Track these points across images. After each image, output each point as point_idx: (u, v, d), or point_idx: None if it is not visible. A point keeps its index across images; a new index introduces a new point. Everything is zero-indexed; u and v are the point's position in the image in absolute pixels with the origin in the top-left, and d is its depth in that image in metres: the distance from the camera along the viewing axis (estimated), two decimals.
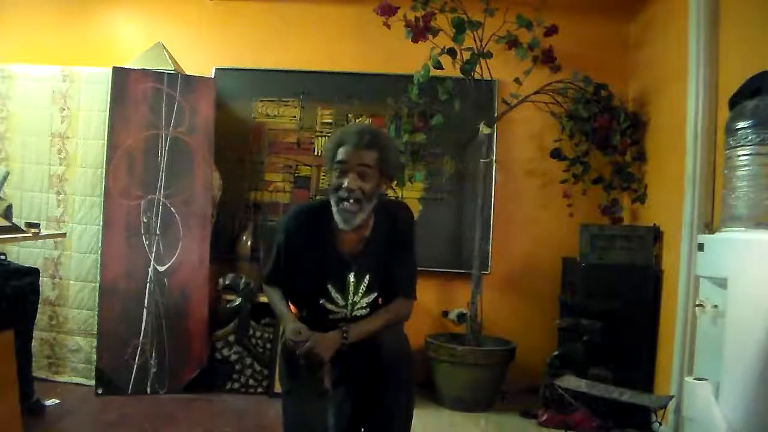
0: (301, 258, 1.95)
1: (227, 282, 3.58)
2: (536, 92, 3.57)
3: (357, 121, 3.89)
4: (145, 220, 3.40)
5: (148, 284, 3.38)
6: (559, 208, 3.71)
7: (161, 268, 3.41)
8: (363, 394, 1.88)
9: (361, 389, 1.88)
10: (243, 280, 3.53)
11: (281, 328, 2.05)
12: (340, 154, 1.87)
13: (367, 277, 1.96)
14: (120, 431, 2.85)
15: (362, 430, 1.92)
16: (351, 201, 1.84)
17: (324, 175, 3.92)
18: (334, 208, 1.88)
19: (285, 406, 2.02)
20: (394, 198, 2.19)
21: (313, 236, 1.94)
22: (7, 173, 3.12)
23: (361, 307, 1.99)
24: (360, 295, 1.97)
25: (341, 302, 1.96)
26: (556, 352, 3.18)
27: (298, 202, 3.82)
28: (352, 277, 1.95)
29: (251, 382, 3.49)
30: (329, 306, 1.96)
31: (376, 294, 1.99)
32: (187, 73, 3.64)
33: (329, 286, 1.95)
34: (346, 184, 1.84)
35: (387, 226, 1.99)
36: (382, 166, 1.88)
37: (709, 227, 2.73)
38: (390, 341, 1.89)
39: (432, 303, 3.86)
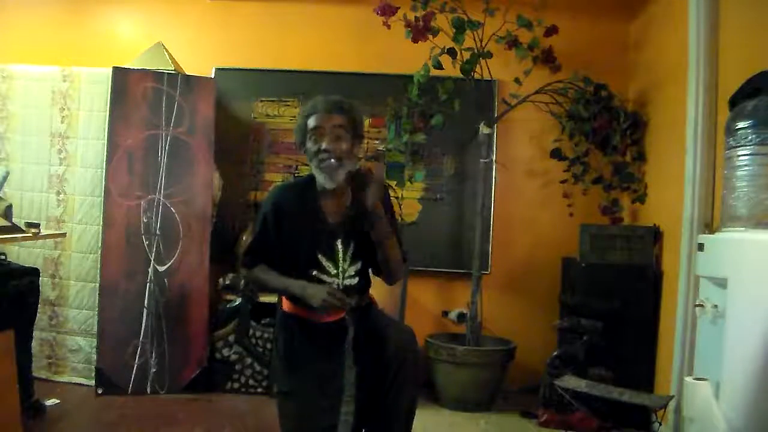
0: (291, 230, 2.01)
1: (227, 282, 3.58)
2: (536, 92, 3.57)
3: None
4: (145, 220, 3.40)
5: (148, 284, 3.38)
6: (559, 208, 3.71)
7: (161, 268, 3.41)
8: (366, 390, 1.87)
9: (365, 385, 1.87)
10: (243, 280, 3.53)
11: (287, 295, 2.05)
12: (313, 121, 1.98)
13: (352, 244, 2.02)
14: (120, 431, 2.85)
15: (363, 430, 1.91)
16: (332, 159, 1.95)
17: None
18: (316, 172, 1.99)
19: (283, 408, 1.97)
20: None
21: (299, 208, 2.03)
22: (7, 173, 3.12)
23: (350, 276, 2.03)
24: (348, 262, 2.02)
25: (333, 271, 2.01)
26: (556, 352, 3.18)
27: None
28: (339, 245, 2.01)
29: (251, 382, 3.49)
30: (322, 276, 2.00)
31: (361, 262, 2.04)
32: (187, 73, 3.64)
33: (319, 256, 2.00)
34: (324, 146, 1.95)
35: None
36: (353, 127, 2.01)
37: (709, 227, 2.73)
38: (397, 336, 1.89)
39: (432, 303, 3.87)
